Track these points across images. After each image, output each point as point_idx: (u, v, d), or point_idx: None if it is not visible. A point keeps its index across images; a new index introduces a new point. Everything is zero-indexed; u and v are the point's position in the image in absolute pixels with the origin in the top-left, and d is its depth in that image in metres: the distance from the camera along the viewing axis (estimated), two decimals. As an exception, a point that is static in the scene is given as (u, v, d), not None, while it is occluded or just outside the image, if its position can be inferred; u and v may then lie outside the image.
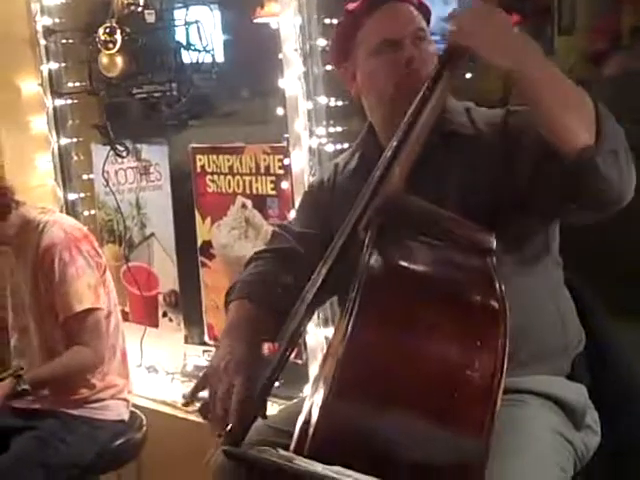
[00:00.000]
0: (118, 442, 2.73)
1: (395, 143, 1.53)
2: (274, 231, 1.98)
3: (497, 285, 1.32)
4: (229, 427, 1.48)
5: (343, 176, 1.91)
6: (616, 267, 2.56)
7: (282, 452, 1.23)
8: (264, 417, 1.51)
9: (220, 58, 3.11)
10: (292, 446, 1.39)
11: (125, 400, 2.81)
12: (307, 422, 1.38)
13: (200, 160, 3.06)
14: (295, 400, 2.34)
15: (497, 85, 2.31)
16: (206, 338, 3.20)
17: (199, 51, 2.99)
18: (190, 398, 1.63)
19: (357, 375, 1.26)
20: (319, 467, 1.18)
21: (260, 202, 2.89)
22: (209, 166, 3.03)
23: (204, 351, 3.21)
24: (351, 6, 1.82)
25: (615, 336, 1.84)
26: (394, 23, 1.74)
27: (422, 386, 1.24)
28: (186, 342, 3.31)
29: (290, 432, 1.46)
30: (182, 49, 3.04)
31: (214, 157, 3.01)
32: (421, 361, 1.26)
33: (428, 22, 1.80)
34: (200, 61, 3.02)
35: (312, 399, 1.47)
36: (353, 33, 1.79)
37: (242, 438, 1.44)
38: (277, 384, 1.52)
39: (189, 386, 3.19)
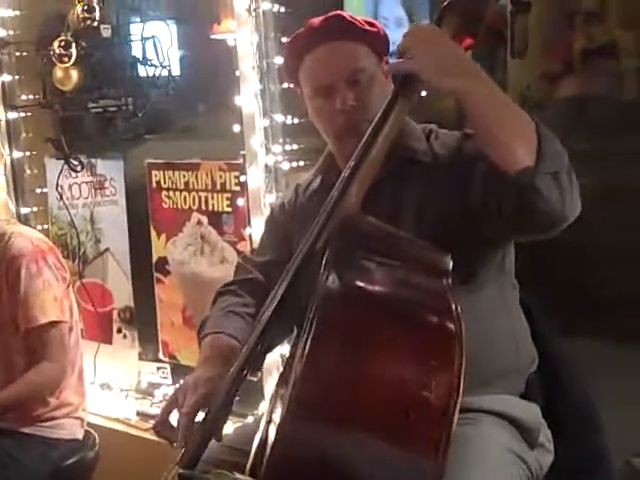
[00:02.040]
0: (71, 461, 2.68)
1: (352, 164, 1.54)
2: (237, 263, 2.01)
3: (453, 306, 1.33)
4: (183, 446, 1.48)
5: (304, 197, 1.91)
6: (572, 287, 2.60)
7: (238, 475, 1.23)
8: (219, 440, 1.51)
9: (177, 74, 3.11)
10: (248, 467, 1.39)
11: (80, 419, 2.75)
12: (263, 443, 1.38)
13: (156, 176, 3.04)
14: (250, 418, 2.33)
15: (451, 104, 2.33)
16: (160, 355, 3.18)
17: (155, 66, 2.99)
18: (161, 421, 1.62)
19: (314, 396, 1.25)
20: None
21: (216, 219, 2.89)
22: (165, 182, 3.02)
23: (158, 368, 3.19)
24: (295, 34, 1.80)
25: (568, 355, 1.86)
26: (326, 69, 1.72)
27: (378, 407, 1.24)
28: (140, 359, 3.29)
29: (246, 450, 1.46)
30: (138, 64, 3.03)
31: (170, 173, 3.00)
32: (377, 382, 1.26)
33: (384, 51, 1.78)
34: (157, 76, 3.01)
35: (268, 418, 1.47)
36: (297, 64, 1.78)
37: (197, 460, 1.43)
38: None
39: (143, 403, 3.17)
